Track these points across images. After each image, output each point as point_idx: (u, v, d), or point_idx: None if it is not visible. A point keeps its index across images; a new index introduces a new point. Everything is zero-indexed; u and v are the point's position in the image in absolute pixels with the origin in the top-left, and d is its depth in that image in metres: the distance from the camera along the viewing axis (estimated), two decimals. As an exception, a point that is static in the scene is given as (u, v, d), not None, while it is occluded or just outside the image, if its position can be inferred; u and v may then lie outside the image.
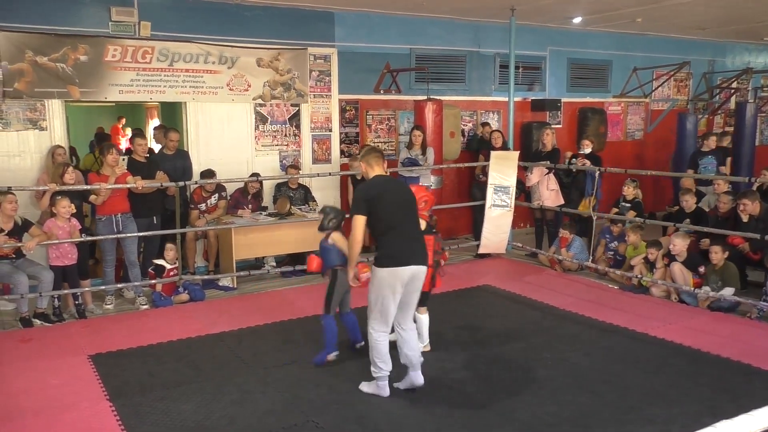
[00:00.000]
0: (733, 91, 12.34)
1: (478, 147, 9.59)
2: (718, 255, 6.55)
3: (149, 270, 7.10)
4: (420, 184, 7.74)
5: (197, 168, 7.93)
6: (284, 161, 8.70)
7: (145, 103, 11.98)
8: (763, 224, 6.70)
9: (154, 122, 12.26)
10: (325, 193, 8.88)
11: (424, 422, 4.16)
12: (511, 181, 8.38)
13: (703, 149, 9.40)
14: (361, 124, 9.39)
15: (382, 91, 9.35)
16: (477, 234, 8.91)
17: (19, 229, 6.24)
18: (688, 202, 7.64)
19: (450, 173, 9.79)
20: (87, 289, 6.64)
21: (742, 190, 7.20)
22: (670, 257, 6.96)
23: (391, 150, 9.48)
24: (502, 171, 8.37)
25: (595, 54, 11.26)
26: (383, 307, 4.41)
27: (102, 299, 6.88)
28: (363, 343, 5.09)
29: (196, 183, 7.53)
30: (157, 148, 8.55)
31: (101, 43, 7.38)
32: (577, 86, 11.23)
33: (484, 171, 8.75)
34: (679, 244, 6.85)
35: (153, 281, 6.90)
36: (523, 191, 8.90)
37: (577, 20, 9.89)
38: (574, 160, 8.54)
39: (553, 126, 9.92)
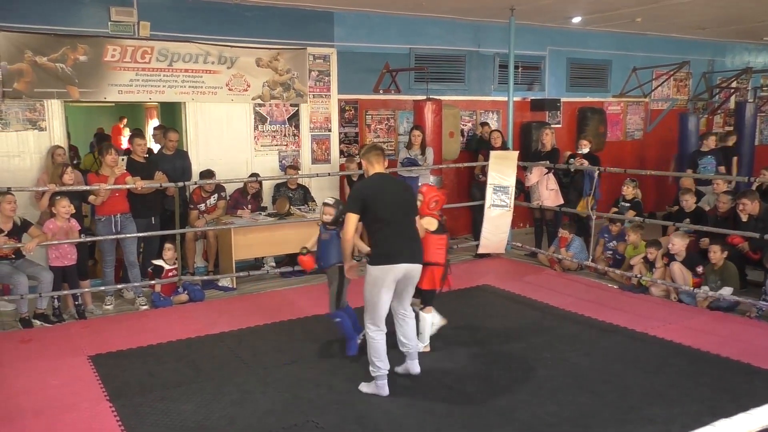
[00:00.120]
0: (732, 90, 12.36)
1: (478, 147, 9.59)
2: (717, 255, 6.55)
3: (148, 270, 7.10)
4: (419, 183, 7.75)
5: (196, 168, 7.93)
6: (283, 161, 8.70)
7: (145, 103, 11.98)
8: (763, 224, 6.70)
9: (154, 122, 12.26)
10: (324, 193, 8.85)
11: (424, 422, 4.16)
12: (511, 181, 8.37)
13: (702, 149, 9.40)
14: (361, 124, 9.39)
15: (381, 91, 9.35)
16: (476, 234, 8.91)
17: (19, 230, 6.24)
18: (688, 202, 7.64)
19: (449, 173, 9.79)
20: (87, 289, 6.63)
21: (742, 190, 7.21)
22: (669, 257, 6.97)
23: (391, 150, 9.47)
24: (501, 171, 8.36)
25: (594, 54, 11.26)
26: (378, 304, 4.51)
27: (102, 300, 6.87)
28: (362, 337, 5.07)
29: (195, 183, 7.53)
30: (156, 148, 8.55)
31: (100, 43, 7.38)
32: (577, 86, 11.23)
33: (484, 171, 8.75)
34: (678, 244, 6.85)
35: (153, 281, 6.90)
36: (523, 191, 8.90)
37: (577, 20, 9.89)
38: (572, 160, 8.54)
39: (552, 126, 9.92)
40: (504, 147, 8.87)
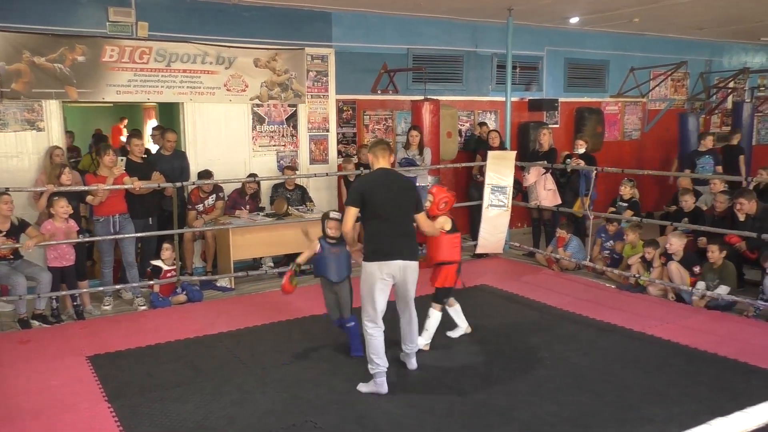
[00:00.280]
0: (730, 90, 12.38)
1: (476, 147, 9.60)
2: (715, 254, 6.57)
3: (147, 270, 7.10)
4: (417, 183, 7.77)
5: (194, 168, 7.92)
6: (281, 161, 8.70)
7: (143, 104, 11.97)
8: (760, 223, 6.72)
9: (152, 122, 12.25)
10: (322, 193, 8.89)
11: (423, 422, 4.16)
12: (508, 181, 8.38)
13: (700, 149, 9.42)
14: (359, 125, 9.39)
15: (379, 92, 9.35)
16: (474, 234, 8.91)
17: (16, 230, 6.23)
18: (688, 202, 7.65)
19: (447, 173, 9.79)
20: (85, 290, 6.62)
21: (739, 189, 7.23)
22: (667, 256, 6.98)
23: (389, 150, 9.46)
24: (499, 171, 8.37)
25: (592, 54, 11.28)
26: (373, 300, 4.56)
27: (100, 300, 6.86)
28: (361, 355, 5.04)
29: (193, 183, 7.52)
30: (154, 148, 8.54)
31: (99, 44, 7.37)
32: (575, 86, 11.25)
33: (482, 171, 8.75)
34: (676, 244, 6.87)
35: (151, 282, 6.90)
36: (520, 191, 8.92)
37: (575, 20, 9.91)
38: (568, 160, 8.56)
39: (550, 126, 9.93)
40: (502, 147, 8.89)
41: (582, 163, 8.35)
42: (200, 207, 7.76)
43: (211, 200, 7.83)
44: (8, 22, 6.95)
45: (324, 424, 4.14)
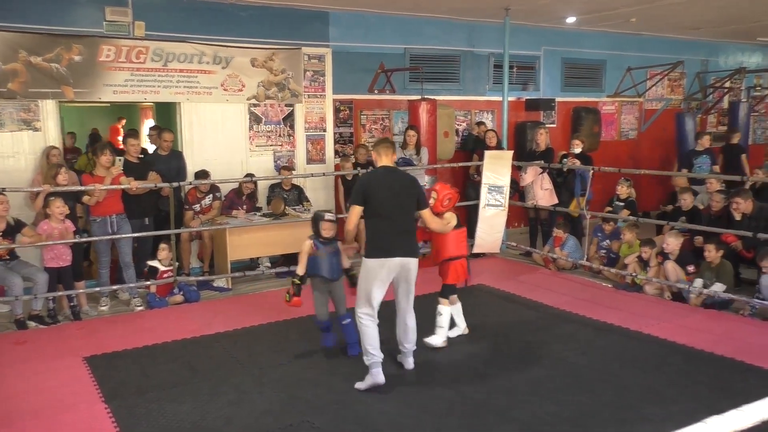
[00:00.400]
0: (726, 90, 12.41)
1: (473, 147, 9.60)
2: (711, 253, 6.58)
3: (143, 271, 7.08)
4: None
5: (191, 168, 7.91)
6: (278, 161, 8.69)
7: (140, 104, 11.94)
8: (756, 222, 6.74)
9: (149, 122, 12.23)
10: (319, 193, 8.88)
11: (422, 422, 4.16)
12: (505, 181, 8.37)
13: (697, 148, 9.43)
14: (356, 124, 9.39)
15: (376, 91, 9.35)
16: (471, 233, 8.90)
17: (12, 230, 6.21)
18: (686, 201, 7.66)
19: (444, 173, 9.78)
20: (82, 290, 6.61)
21: (736, 189, 7.25)
22: (663, 256, 6.99)
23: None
24: (496, 171, 8.37)
25: (589, 54, 11.29)
26: (370, 294, 4.62)
27: (97, 301, 6.84)
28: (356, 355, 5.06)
29: (190, 183, 7.51)
30: (151, 148, 8.53)
31: (95, 43, 7.36)
32: (571, 86, 11.26)
33: (479, 171, 8.75)
34: (672, 243, 6.89)
35: (148, 282, 6.88)
36: (517, 191, 8.91)
37: (571, 20, 9.92)
38: (564, 159, 8.56)
39: (547, 125, 9.94)
40: (499, 147, 8.89)
41: (578, 162, 8.36)
42: (197, 207, 7.74)
43: (208, 200, 7.81)
44: (4, 21, 6.93)
45: (322, 424, 4.13)
